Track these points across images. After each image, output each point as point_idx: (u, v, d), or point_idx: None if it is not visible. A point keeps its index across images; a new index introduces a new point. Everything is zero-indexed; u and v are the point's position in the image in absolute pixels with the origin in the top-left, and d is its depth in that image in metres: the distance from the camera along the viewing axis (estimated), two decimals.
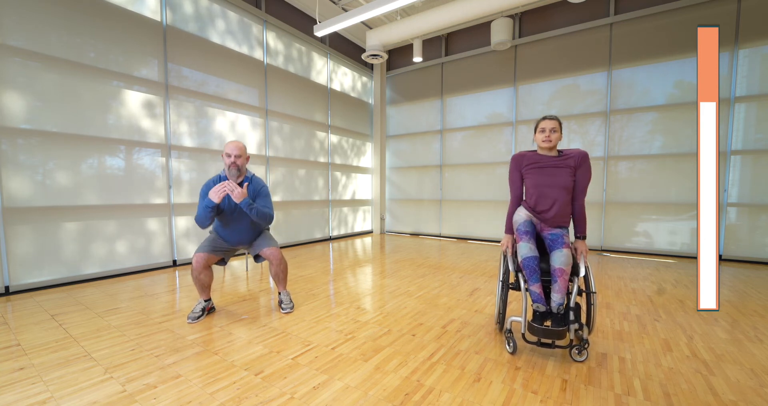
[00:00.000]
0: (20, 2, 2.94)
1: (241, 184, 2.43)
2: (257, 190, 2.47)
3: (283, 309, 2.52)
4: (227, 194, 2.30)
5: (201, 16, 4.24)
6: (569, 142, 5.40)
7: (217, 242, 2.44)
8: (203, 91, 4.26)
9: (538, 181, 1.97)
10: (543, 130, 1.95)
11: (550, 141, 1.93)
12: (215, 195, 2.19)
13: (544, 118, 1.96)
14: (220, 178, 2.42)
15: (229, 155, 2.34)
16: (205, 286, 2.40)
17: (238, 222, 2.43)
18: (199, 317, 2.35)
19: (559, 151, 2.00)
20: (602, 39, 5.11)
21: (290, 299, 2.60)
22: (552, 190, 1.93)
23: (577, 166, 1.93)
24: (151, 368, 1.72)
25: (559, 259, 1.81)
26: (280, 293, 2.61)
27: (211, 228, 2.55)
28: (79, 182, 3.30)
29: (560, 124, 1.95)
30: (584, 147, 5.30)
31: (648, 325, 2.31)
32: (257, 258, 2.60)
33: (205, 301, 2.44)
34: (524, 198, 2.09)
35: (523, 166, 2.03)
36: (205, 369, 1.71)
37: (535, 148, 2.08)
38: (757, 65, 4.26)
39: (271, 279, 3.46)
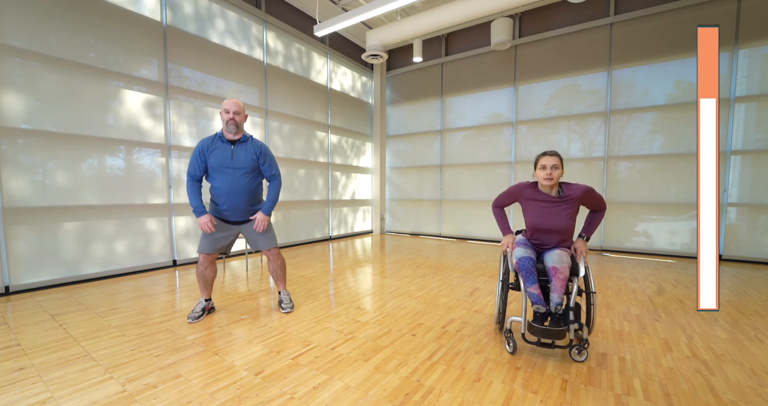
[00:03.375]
0: (20, 2, 2.94)
1: (239, 141, 2.34)
2: (261, 149, 2.40)
3: (283, 309, 2.53)
4: (222, 158, 2.29)
5: (201, 16, 4.24)
6: (569, 141, 5.40)
7: (215, 230, 2.34)
8: (203, 91, 4.26)
9: (536, 222, 1.94)
10: (544, 168, 1.86)
11: (552, 179, 1.85)
12: (203, 226, 2.29)
13: (545, 154, 1.89)
14: (216, 136, 2.33)
15: (227, 111, 2.27)
16: (208, 282, 2.41)
17: (233, 184, 2.31)
18: (199, 317, 2.35)
19: (561, 186, 1.93)
20: (602, 39, 5.11)
21: (290, 299, 2.60)
22: (550, 234, 1.93)
23: (582, 202, 1.91)
24: (151, 368, 1.72)
25: (552, 258, 1.82)
26: (279, 293, 2.61)
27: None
28: (79, 182, 3.30)
29: (561, 160, 1.87)
30: (584, 147, 5.30)
31: (648, 325, 2.31)
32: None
33: (206, 300, 2.45)
34: (525, 228, 2.12)
35: (522, 201, 2.02)
36: (205, 369, 1.71)
37: (535, 180, 1.98)
38: (757, 65, 4.26)
39: (271, 279, 3.46)
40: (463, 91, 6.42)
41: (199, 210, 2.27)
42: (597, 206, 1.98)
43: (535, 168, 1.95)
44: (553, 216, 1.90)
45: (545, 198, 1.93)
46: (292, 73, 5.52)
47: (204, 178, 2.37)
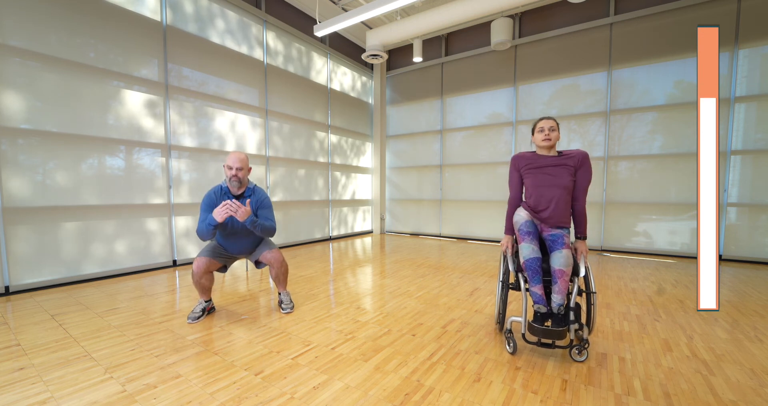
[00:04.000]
0: (20, 2, 2.94)
1: (243, 195, 2.41)
2: (260, 202, 2.44)
3: (283, 309, 2.52)
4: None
5: (201, 16, 4.24)
6: (569, 141, 5.40)
7: (218, 249, 2.44)
8: (203, 91, 4.26)
9: (537, 181, 1.96)
10: (542, 130, 1.95)
11: (550, 140, 1.93)
12: (219, 215, 2.15)
13: (541, 118, 1.99)
14: (221, 189, 2.40)
15: (230, 168, 2.31)
16: (206, 289, 2.40)
17: (240, 234, 2.43)
18: (199, 318, 2.35)
19: (559, 152, 1.99)
20: (602, 39, 5.11)
21: (290, 299, 2.60)
22: (551, 189, 1.92)
23: (578, 166, 1.92)
24: (151, 368, 1.72)
25: (559, 260, 1.81)
26: (280, 294, 2.61)
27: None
28: (78, 182, 3.30)
29: (557, 124, 1.97)
30: (584, 147, 5.30)
31: (648, 325, 2.31)
32: (258, 264, 2.58)
33: (206, 301, 2.44)
34: (524, 198, 2.09)
35: (522, 167, 2.03)
36: (205, 369, 1.71)
37: (534, 149, 2.08)
38: (757, 65, 4.26)
39: (271, 279, 3.46)
40: (463, 91, 6.42)
41: (211, 218, 2.19)
42: (583, 181, 1.96)
43: (533, 134, 2.02)
44: (554, 173, 1.93)
45: (545, 159, 1.98)
46: (292, 73, 5.52)
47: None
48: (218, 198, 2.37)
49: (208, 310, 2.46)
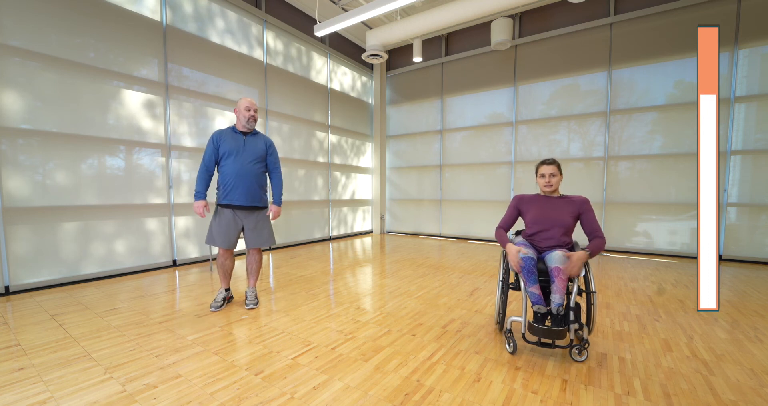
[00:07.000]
0: (20, 2, 2.94)
1: (250, 134, 2.57)
2: (271, 145, 2.66)
3: (246, 305, 2.62)
4: (234, 145, 2.49)
5: (201, 15, 4.24)
6: (569, 141, 5.40)
7: (222, 222, 2.49)
8: (203, 91, 4.26)
9: (537, 215, 2.08)
10: (543, 176, 2.10)
11: (551, 185, 2.08)
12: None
13: (543, 163, 2.11)
14: (232, 130, 2.55)
15: (248, 109, 2.50)
16: (227, 272, 2.61)
17: (243, 168, 2.49)
18: (221, 306, 2.55)
19: (561, 195, 2.14)
20: (602, 39, 5.11)
21: (255, 296, 2.68)
22: (551, 226, 2.01)
23: (581, 211, 2.03)
24: (151, 368, 1.72)
25: (554, 258, 1.82)
26: (248, 289, 2.72)
27: (212, 212, 2.62)
28: (78, 182, 3.30)
29: (559, 167, 2.10)
30: (584, 147, 5.31)
31: (648, 325, 2.31)
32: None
33: (225, 290, 2.62)
34: (524, 229, 2.20)
35: (523, 205, 2.17)
36: (205, 369, 1.71)
37: (538, 191, 2.22)
38: (757, 65, 4.26)
39: (272, 280, 3.46)
40: (463, 91, 6.42)
41: (199, 195, 2.49)
42: (591, 221, 2.00)
43: (536, 176, 2.18)
44: (554, 210, 2.05)
45: (547, 200, 2.12)
46: (292, 73, 5.52)
47: (216, 169, 2.57)
48: (226, 134, 2.52)
49: (228, 299, 2.65)
